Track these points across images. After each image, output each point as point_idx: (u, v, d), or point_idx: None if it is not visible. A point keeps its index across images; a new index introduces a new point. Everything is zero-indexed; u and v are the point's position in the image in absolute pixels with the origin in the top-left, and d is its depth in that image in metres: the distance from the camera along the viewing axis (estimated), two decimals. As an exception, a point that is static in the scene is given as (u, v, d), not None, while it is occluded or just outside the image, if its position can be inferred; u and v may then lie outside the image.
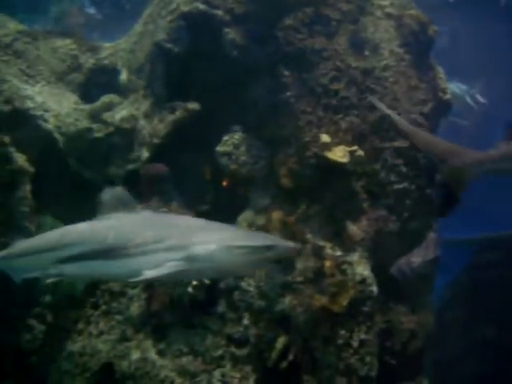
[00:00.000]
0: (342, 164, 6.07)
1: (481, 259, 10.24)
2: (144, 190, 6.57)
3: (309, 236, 6.02)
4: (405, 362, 6.73)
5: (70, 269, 4.76)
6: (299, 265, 5.89)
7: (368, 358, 5.95)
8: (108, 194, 4.81)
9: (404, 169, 6.49)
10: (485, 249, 10.27)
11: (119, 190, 4.93)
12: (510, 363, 9.30)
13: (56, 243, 4.86)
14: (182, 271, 4.30)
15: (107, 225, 4.69)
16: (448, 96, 7.17)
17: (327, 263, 5.85)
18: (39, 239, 5.17)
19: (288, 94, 6.48)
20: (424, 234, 6.67)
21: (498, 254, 10.07)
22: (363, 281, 5.93)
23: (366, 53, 6.72)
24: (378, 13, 7.01)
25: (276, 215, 5.98)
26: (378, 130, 6.47)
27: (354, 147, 6.15)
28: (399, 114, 6.44)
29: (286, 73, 6.56)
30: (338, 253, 6.00)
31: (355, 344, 5.89)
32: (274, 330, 5.88)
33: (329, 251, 5.98)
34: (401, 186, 6.47)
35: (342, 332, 5.86)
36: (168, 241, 4.38)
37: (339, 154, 6.07)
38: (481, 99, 11.62)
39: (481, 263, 10.12)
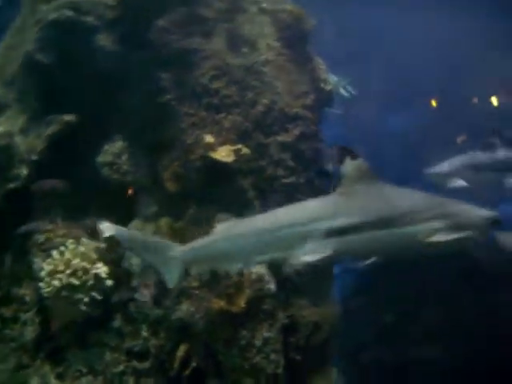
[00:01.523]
0: (227, 163, 6.00)
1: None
2: (37, 207, 6.30)
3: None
4: (311, 354, 6.72)
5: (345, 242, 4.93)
6: (194, 269, 5.77)
7: (273, 356, 5.89)
8: (350, 166, 5.03)
9: (291, 163, 6.48)
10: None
11: (360, 163, 5.07)
12: (409, 349, 9.55)
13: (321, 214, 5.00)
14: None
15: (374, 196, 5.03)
16: (329, 86, 7.24)
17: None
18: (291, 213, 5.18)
19: (168, 96, 6.36)
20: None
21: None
22: (260, 279, 5.85)
23: (244, 50, 6.68)
24: (254, 9, 7.00)
25: (164, 222, 5.85)
26: (261, 126, 6.44)
27: (239, 146, 6.09)
28: (281, 109, 6.47)
29: (164, 75, 6.44)
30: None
31: (258, 343, 5.81)
32: (174, 339, 5.75)
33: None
34: (289, 181, 6.47)
35: (244, 332, 5.77)
36: (432, 210, 4.94)
37: (224, 154, 6.00)
38: (352, 90, 11.97)
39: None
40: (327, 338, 6.90)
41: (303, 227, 5.01)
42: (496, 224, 5.09)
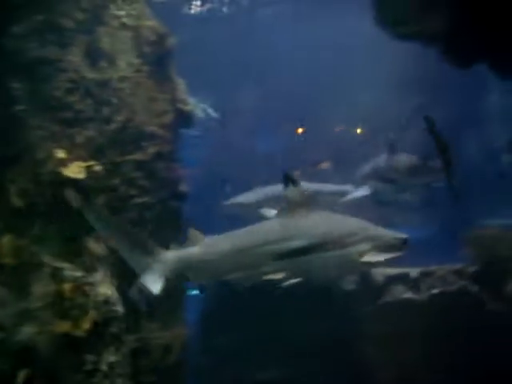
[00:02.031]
0: (78, 180, 5.79)
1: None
2: None
3: (46, 258, 5.63)
4: (162, 377, 6.63)
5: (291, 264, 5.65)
6: (37, 290, 5.49)
7: (120, 380, 5.75)
8: (293, 192, 5.69)
9: (144, 182, 6.38)
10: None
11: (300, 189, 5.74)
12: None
13: (275, 238, 5.65)
14: None
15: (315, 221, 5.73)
16: (189, 107, 7.22)
17: (67, 286, 5.52)
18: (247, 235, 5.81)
19: (20, 107, 6.05)
20: (169, 247, 6.61)
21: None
22: (107, 301, 5.70)
23: (102, 64, 6.52)
24: (115, 23, 6.84)
25: (7, 240, 5.52)
26: (116, 144, 6.30)
27: (91, 162, 5.90)
28: (137, 127, 6.37)
29: (17, 85, 6.13)
30: (79, 274, 5.69)
31: (104, 367, 5.64)
32: (14, 363, 5.42)
33: (69, 273, 5.64)
34: (141, 200, 6.36)
35: (89, 356, 5.57)
36: (362, 233, 5.72)
37: (75, 170, 5.79)
38: (212, 113, 12.12)
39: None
40: (179, 360, 6.85)
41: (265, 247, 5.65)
42: (406, 244, 5.96)
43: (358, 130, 15.78)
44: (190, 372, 7.40)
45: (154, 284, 5.47)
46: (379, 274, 10.01)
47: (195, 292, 10.41)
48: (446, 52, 5.54)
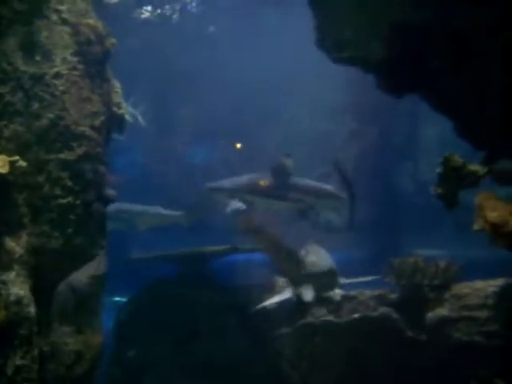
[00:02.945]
0: (0, 175, 5.57)
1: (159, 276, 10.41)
2: None
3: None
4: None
5: None
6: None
7: (26, 385, 5.53)
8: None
9: (69, 182, 6.21)
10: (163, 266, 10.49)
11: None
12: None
13: None
14: None
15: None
16: (122, 111, 7.09)
17: (-23, 284, 5.29)
18: None
19: None
20: (91, 251, 6.46)
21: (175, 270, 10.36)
22: (19, 301, 5.48)
23: (37, 58, 6.33)
24: (54, 17, 6.66)
25: None
26: (43, 141, 6.12)
27: (16, 157, 5.69)
28: (67, 125, 6.20)
29: None
30: (-8, 272, 5.47)
31: (10, 371, 5.41)
32: None
33: (-20, 270, 5.42)
34: (65, 201, 6.18)
35: (-5, 358, 5.36)
36: None
37: (-2, 164, 5.57)
38: (141, 120, 12.09)
39: (159, 280, 10.25)
40: (90, 368, 6.64)
41: None
42: None
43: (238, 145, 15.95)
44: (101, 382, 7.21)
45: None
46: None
47: (118, 299, 10.26)
48: (382, 79, 5.60)
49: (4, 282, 5.47)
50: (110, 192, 6.61)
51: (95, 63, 6.74)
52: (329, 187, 10.66)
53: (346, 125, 14.00)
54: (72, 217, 6.22)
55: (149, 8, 14.42)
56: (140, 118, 11.75)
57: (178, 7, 14.50)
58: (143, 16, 14.58)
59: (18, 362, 5.47)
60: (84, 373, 6.52)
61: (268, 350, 9.75)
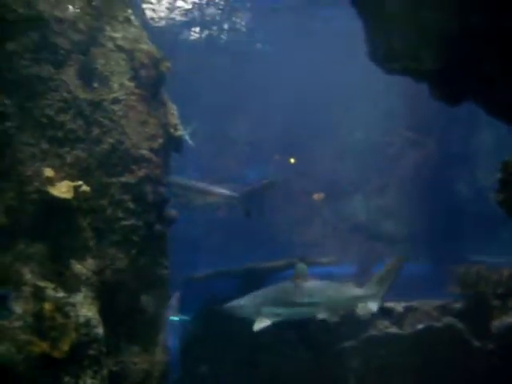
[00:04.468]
0: (65, 200, 5.76)
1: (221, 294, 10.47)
2: None
3: (28, 277, 5.57)
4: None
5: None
6: (18, 308, 5.42)
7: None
8: None
9: (131, 205, 6.36)
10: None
11: None
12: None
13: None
14: None
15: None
16: (179, 132, 7.23)
17: (47, 306, 5.45)
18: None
19: (8, 124, 6.02)
20: (155, 271, 6.60)
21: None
22: (87, 323, 5.63)
23: (95, 85, 6.53)
24: (110, 45, 6.86)
25: (-11, 256, 5.46)
26: (105, 165, 6.29)
27: (79, 182, 5.87)
28: (127, 149, 6.37)
29: (8, 101, 6.11)
30: (61, 294, 5.63)
31: (82, 390, 5.56)
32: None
33: (50, 292, 5.57)
34: (128, 223, 6.33)
35: (67, 379, 5.48)
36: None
37: (63, 190, 5.76)
38: (189, 140, 12.30)
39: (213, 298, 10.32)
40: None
41: None
42: None
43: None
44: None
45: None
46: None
47: (182, 318, 10.37)
48: (434, 87, 5.57)
49: (73, 305, 5.62)
50: (171, 212, 6.75)
51: (151, 87, 6.91)
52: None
53: (400, 135, 13.91)
54: (135, 238, 6.36)
55: (197, 29, 14.64)
56: (188, 139, 11.95)
57: (226, 26, 14.64)
58: (192, 38, 14.81)
59: (89, 381, 5.60)
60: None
61: (333, 364, 9.71)
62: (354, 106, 14.03)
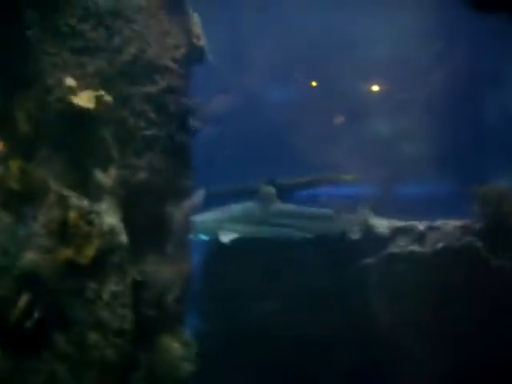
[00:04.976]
0: (88, 110, 5.73)
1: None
2: None
3: (52, 185, 5.61)
4: (163, 312, 6.67)
5: None
6: (42, 216, 5.49)
7: (121, 311, 5.78)
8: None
9: (153, 115, 6.33)
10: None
11: None
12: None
13: None
14: None
15: None
16: (202, 42, 7.10)
17: (72, 213, 5.51)
18: None
19: (29, 33, 5.94)
20: (178, 182, 6.63)
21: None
22: (111, 230, 5.70)
23: (116, -7, 6.39)
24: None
25: (14, 163, 5.49)
26: (126, 75, 6.22)
27: (101, 92, 5.83)
28: (148, 59, 6.29)
29: (30, 11, 5.99)
30: (85, 202, 5.67)
31: (106, 296, 5.68)
32: (17, 289, 5.44)
33: (74, 201, 5.61)
34: (149, 133, 6.32)
35: (91, 285, 5.60)
36: None
37: (85, 99, 5.72)
38: None
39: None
40: (180, 297, 6.89)
41: None
42: None
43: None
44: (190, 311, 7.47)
45: None
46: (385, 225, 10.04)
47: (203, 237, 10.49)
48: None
49: (97, 213, 5.68)
50: (194, 123, 6.72)
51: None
52: None
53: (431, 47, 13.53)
54: (157, 148, 6.36)
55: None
56: None
57: None
58: None
59: (113, 287, 5.72)
60: (174, 301, 6.79)
61: (353, 280, 9.84)
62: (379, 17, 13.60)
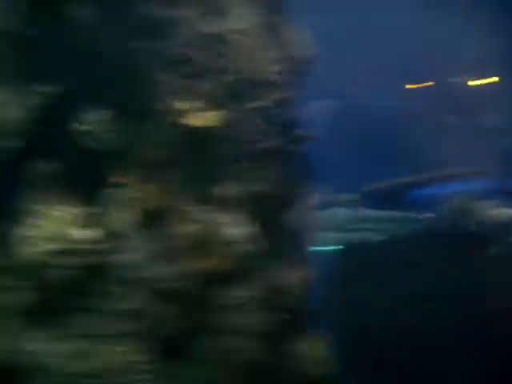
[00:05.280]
0: (204, 129, 6.10)
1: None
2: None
3: (180, 203, 6.01)
4: (296, 316, 6.85)
5: None
6: (173, 231, 5.89)
7: (257, 315, 6.12)
8: None
9: (265, 128, 6.60)
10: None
11: None
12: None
13: None
14: None
15: None
16: (306, 52, 7.27)
17: (201, 226, 5.89)
18: None
19: (143, 65, 6.38)
20: (296, 192, 6.89)
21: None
22: (239, 239, 6.03)
23: (216, 17, 6.72)
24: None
25: (147, 187, 5.95)
26: (235, 93, 6.53)
27: (214, 112, 6.18)
28: (254, 75, 6.58)
29: (138, 45, 6.43)
30: (211, 215, 6.04)
31: (239, 302, 6.02)
32: (163, 300, 5.84)
33: (201, 215, 6.00)
34: (264, 146, 6.58)
35: (228, 292, 5.99)
36: None
37: (200, 120, 6.10)
38: None
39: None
40: (305, 301, 7.06)
41: None
42: None
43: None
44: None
45: None
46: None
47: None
48: None
49: (223, 224, 6.02)
50: (305, 133, 6.94)
51: (274, 7, 7.02)
52: None
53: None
54: (273, 159, 6.62)
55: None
56: None
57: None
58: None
59: (248, 293, 6.10)
60: (305, 304, 6.98)
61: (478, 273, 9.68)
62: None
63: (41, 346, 5.75)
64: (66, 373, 5.61)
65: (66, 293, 5.87)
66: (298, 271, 6.98)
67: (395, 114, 14.53)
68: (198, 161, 6.25)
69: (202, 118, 6.14)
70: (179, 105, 6.20)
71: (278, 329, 6.43)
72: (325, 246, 10.26)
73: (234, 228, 6.08)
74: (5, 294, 6.05)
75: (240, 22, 6.77)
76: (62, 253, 5.69)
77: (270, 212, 6.64)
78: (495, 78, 14.86)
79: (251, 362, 6.04)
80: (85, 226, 5.87)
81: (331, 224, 10.05)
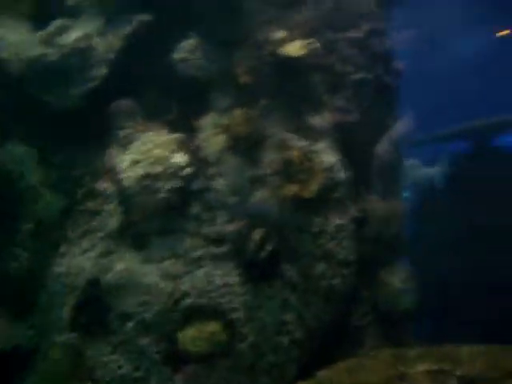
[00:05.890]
0: (299, 58, 6.15)
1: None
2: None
3: (272, 129, 6.12)
4: (382, 247, 6.92)
5: None
6: (265, 157, 6.00)
7: (345, 243, 6.17)
8: None
9: (359, 59, 6.60)
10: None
11: None
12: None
13: None
14: None
15: None
16: None
17: (294, 153, 5.98)
18: None
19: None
20: (386, 123, 6.85)
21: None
22: (331, 167, 6.10)
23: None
24: None
25: (239, 112, 6.05)
26: (330, 23, 6.55)
27: (310, 40, 6.22)
28: (350, 5, 6.56)
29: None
30: (304, 143, 6.12)
31: (331, 229, 6.08)
32: (250, 224, 5.98)
33: (294, 142, 6.09)
34: (357, 77, 6.59)
35: (316, 219, 6.04)
36: None
37: (295, 49, 6.15)
38: None
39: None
40: (397, 234, 7.09)
41: None
42: None
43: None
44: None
45: None
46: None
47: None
48: None
49: (316, 152, 6.11)
50: (398, 65, 6.89)
51: None
52: None
53: None
54: (365, 91, 6.62)
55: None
56: None
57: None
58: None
59: (337, 221, 6.12)
60: (391, 237, 7.01)
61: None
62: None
63: (135, 266, 6.02)
64: (163, 291, 5.83)
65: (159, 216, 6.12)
66: (388, 203, 7.00)
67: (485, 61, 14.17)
68: (291, 90, 6.31)
69: (297, 46, 6.17)
70: (275, 34, 6.26)
71: (366, 258, 6.50)
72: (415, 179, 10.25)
73: (326, 156, 6.13)
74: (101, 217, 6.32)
75: None
76: (159, 176, 5.90)
77: (360, 142, 6.68)
78: None
79: (337, 287, 6.13)
80: (181, 151, 6.06)
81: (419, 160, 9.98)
